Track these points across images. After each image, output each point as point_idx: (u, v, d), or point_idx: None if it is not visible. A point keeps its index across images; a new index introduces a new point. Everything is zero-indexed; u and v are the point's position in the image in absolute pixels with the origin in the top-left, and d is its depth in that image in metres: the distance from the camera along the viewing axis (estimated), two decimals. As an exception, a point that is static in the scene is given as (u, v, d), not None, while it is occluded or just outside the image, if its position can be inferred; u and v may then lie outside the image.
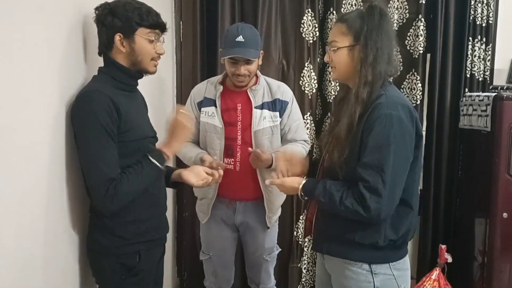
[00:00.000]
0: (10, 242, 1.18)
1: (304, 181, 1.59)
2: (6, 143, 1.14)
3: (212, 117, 2.20)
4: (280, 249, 2.56)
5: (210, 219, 2.31)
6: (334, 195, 1.46)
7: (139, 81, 1.65)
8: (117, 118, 1.45)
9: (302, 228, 2.93)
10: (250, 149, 2.11)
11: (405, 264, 1.58)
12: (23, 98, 1.22)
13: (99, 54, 1.57)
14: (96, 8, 1.51)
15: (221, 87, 2.22)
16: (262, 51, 2.22)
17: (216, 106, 2.20)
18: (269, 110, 2.21)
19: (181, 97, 2.88)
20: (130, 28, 1.49)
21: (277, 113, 2.23)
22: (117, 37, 1.49)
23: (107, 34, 1.50)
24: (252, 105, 2.19)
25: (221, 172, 1.82)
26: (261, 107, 2.21)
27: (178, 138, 1.63)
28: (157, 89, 2.50)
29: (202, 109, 2.22)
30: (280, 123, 2.24)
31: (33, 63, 1.27)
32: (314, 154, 2.86)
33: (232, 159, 2.21)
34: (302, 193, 1.59)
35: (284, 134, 2.28)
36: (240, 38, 2.06)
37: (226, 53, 2.10)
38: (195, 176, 1.71)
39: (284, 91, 2.28)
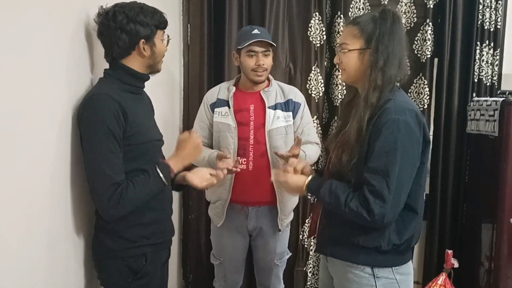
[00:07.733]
0: (15, 245, 1.19)
1: (309, 179, 1.59)
2: (12, 146, 1.14)
3: (225, 116, 2.24)
4: (291, 253, 2.56)
5: (224, 224, 2.31)
6: (340, 196, 1.46)
7: (146, 83, 1.65)
8: (124, 123, 1.45)
9: (308, 230, 2.93)
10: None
11: (408, 269, 1.57)
12: (30, 101, 1.23)
13: (109, 59, 1.56)
14: (111, 17, 1.47)
15: (234, 88, 2.28)
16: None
17: (229, 107, 2.24)
18: (282, 110, 2.25)
19: (188, 100, 2.89)
20: (151, 33, 1.52)
21: (290, 113, 2.26)
22: (141, 43, 1.51)
23: (129, 41, 1.50)
24: (265, 105, 2.23)
25: (225, 171, 1.81)
26: (274, 107, 2.24)
27: (188, 156, 1.63)
28: (164, 92, 2.51)
29: (216, 109, 2.27)
30: (293, 125, 2.27)
31: (40, 66, 1.28)
32: (319, 164, 2.85)
33: (245, 159, 2.23)
34: (307, 191, 1.59)
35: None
36: (255, 31, 2.18)
37: (245, 42, 2.17)
38: (198, 177, 1.71)
39: (296, 94, 2.34)
